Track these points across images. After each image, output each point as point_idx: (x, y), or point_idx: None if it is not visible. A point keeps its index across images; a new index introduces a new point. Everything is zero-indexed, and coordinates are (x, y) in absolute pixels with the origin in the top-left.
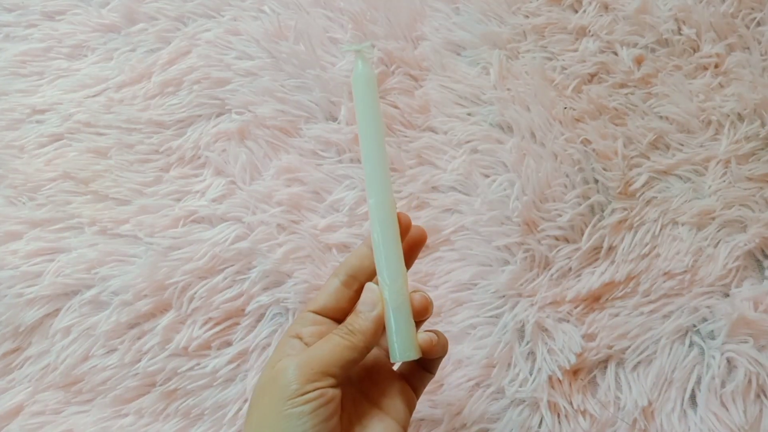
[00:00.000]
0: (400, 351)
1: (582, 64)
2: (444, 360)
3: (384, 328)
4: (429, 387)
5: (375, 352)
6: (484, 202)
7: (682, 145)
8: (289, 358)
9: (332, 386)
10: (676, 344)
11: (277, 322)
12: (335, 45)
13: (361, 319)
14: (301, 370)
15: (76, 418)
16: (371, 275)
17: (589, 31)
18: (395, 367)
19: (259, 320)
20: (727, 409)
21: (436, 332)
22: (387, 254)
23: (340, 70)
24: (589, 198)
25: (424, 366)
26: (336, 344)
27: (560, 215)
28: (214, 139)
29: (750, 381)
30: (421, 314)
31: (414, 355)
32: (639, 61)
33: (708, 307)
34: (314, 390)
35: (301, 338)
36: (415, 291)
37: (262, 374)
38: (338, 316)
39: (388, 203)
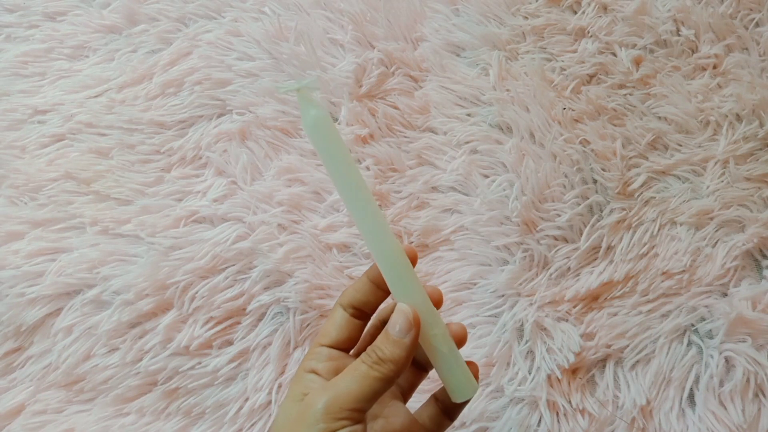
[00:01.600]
0: (463, 389)
1: (581, 65)
2: None
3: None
4: (427, 384)
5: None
6: (484, 202)
7: (681, 145)
8: (317, 392)
9: (359, 422)
10: (675, 343)
11: (278, 322)
12: (335, 46)
13: (392, 346)
14: (328, 408)
15: (78, 417)
16: (376, 308)
17: (588, 32)
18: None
19: (260, 319)
20: (726, 408)
21: (473, 364)
22: (412, 295)
23: (341, 71)
24: (588, 198)
25: (446, 410)
26: (364, 376)
27: (559, 215)
28: (215, 139)
29: (748, 380)
30: (461, 344)
31: (472, 392)
32: (638, 62)
33: (706, 306)
34: (342, 429)
35: (317, 373)
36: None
37: (284, 408)
38: (350, 347)
39: (393, 251)
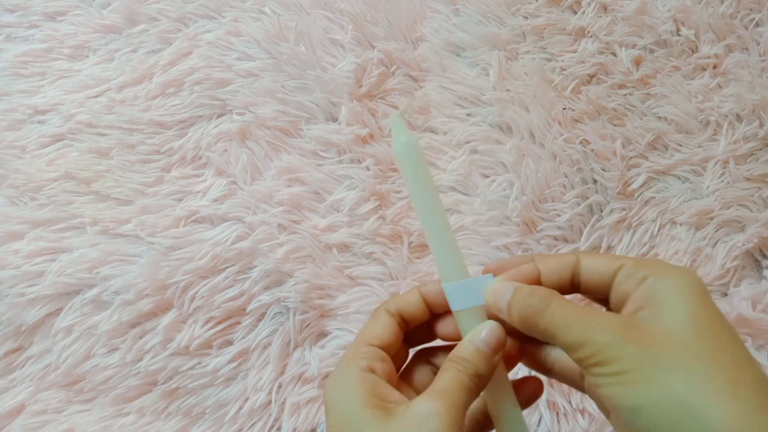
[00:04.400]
0: None
1: (581, 65)
2: None
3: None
4: None
5: None
6: (484, 202)
7: (681, 145)
8: (427, 401)
9: None
10: None
11: (278, 321)
12: (336, 46)
13: (484, 362)
14: (449, 423)
15: (78, 417)
16: (420, 324)
17: (588, 32)
18: None
19: (260, 319)
20: None
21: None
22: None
23: (341, 71)
24: (588, 198)
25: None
26: (468, 388)
27: (559, 215)
28: (215, 139)
29: None
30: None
31: None
32: (638, 62)
33: None
34: None
35: (376, 373)
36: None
37: (356, 416)
38: (392, 353)
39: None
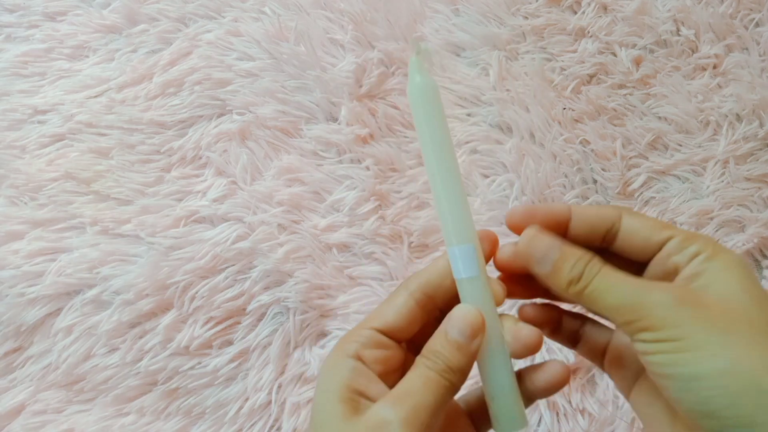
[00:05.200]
0: (510, 420)
1: (581, 65)
2: None
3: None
4: None
5: None
6: (484, 202)
7: (681, 145)
8: (386, 406)
9: None
10: None
11: (278, 321)
12: (336, 46)
13: (457, 353)
14: (407, 424)
15: (78, 417)
16: (451, 299)
17: (588, 32)
18: None
19: (260, 319)
20: None
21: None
22: (479, 294)
23: (341, 71)
24: (588, 198)
25: (475, 424)
26: (437, 385)
27: None
28: (215, 139)
29: None
30: (523, 354)
31: (520, 426)
32: (638, 62)
33: None
34: None
35: (363, 361)
36: (515, 320)
37: (326, 408)
38: (402, 337)
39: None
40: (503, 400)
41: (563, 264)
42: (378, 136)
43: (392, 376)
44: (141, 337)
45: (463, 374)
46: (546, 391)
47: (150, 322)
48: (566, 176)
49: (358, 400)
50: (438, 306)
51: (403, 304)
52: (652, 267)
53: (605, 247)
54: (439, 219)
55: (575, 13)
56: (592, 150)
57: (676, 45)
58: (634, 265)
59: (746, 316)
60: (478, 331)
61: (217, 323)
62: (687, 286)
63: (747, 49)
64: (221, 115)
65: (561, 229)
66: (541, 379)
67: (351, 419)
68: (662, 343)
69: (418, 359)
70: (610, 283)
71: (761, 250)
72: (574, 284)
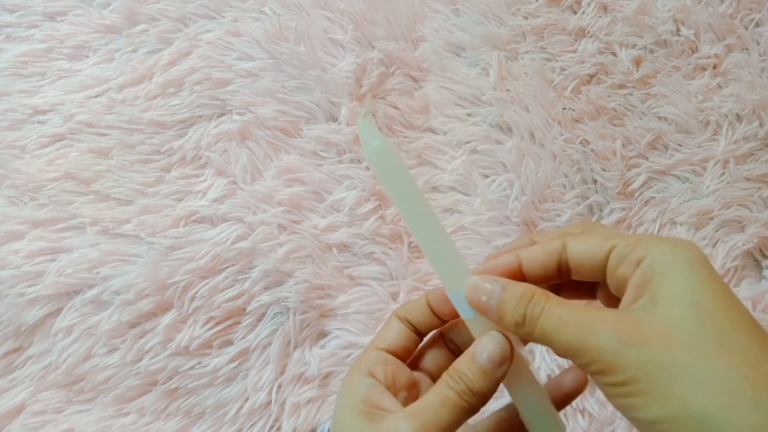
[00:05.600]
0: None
1: (581, 65)
2: None
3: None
4: None
5: None
6: (484, 203)
7: (681, 145)
8: (399, 418)
9: None
10: None
11: (278, 322)
12: (336, 46)
13: (482, 378)
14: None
15: (78, 417)
16: (429, 331)
17: (588, 32)
18: None
19: (260, 319)
20: None
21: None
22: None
23: (341, 71)
24: (588, 198)
25: None
26: (454, 405)
27: (559, 215)
28: (215, 139)
29: None
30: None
31: None
32: (638, 62)
33: None
34: None
35: (375, 377)
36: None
37: (347, 421)
38: (404, 356)
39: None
40: (540, 425)
41: (505, 309)
42: None
43: (402, 392)
44: (141, 337)
45: (483, 398)
46: (572, 396)
47: (150, 322)
48: (566, 176)
49: (374, 412)
50: (424, 333)
51: (397, 328)
52: (609, 284)
53: (567, 280)
54: (432, 267)
55: (575, 13)
56: (592, 150)
57: (676, 45)
58: (604, 286)
59: (689, 341)
60: (505, 359)
61: (217, 323)
62: (629, 315)
63: (747, 49)
64: (221, 115)
65: (518, 278)
66: (567, 382)
67: (368, 427)
68: (617, 388)
69: (444, 375)
70: (555, 324)
71: (761, 250)
72: (521, 327)
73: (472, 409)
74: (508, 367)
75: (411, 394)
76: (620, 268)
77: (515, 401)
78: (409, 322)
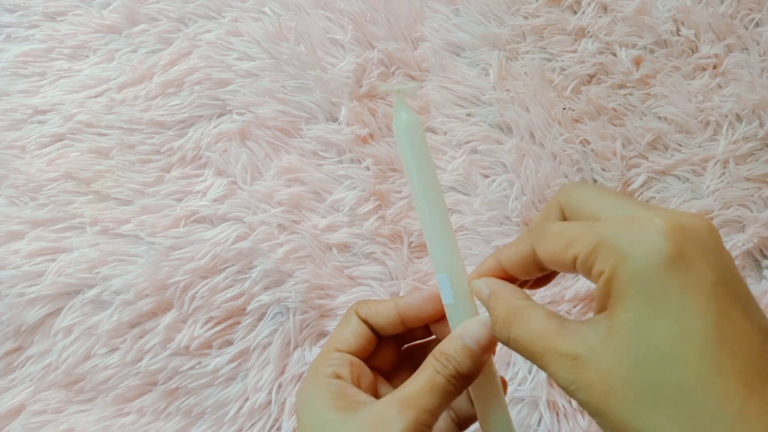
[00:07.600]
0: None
1: (581, 65)
2: None
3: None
4: None
5: None
6: (484, 203)
7: (681, 145)
8: (391, 407)
9: None
10: None
11: (278, 321)
12: (336, 46)
13: (470, 361)
14: (409, 424)
15: (78, 417)
16: (389, 335)
17: (588, 32)
18: None
19: (260, 319)
20: None
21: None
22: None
23: (341, 71)
24: None
25: (459, 422)
26: (442, 389)
27: None
28: (215, 139)
29: None
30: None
31: None
32: (638, 62)
33: None
34: None
35: (341, 378)
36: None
37: (322, 421)
38: (363, 357)
39: (459, 273)
40: (498, 424)
41: (494, 312)
42: (378, 136)
43: (367, 392)
44: (141, 337)
45: (468, 382)
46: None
47: (150, 322)
48: (566, 176)
49: (353, 405)
50: (383, 336)
51: (358, 328)
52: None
53: (552, 271)
54: (428, 246)
55: (575, 13)
56: (592, 150)
57: (676, 45)
58: None
59: (626, 395)
60: (492, 343)
61: (217, 323)
62: (579, 353)
63: (747, 49)
64: (221, 115)
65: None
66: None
67: (352, 416)
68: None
69: (428, 360)
70: (527, 335)
71: (761, 250)
72: (500, 330)
73: (456, 393)
74: (490, 354)
75: (373, 393)
76: (588, 276)
77: (474, 395)
78: (369, 324)
